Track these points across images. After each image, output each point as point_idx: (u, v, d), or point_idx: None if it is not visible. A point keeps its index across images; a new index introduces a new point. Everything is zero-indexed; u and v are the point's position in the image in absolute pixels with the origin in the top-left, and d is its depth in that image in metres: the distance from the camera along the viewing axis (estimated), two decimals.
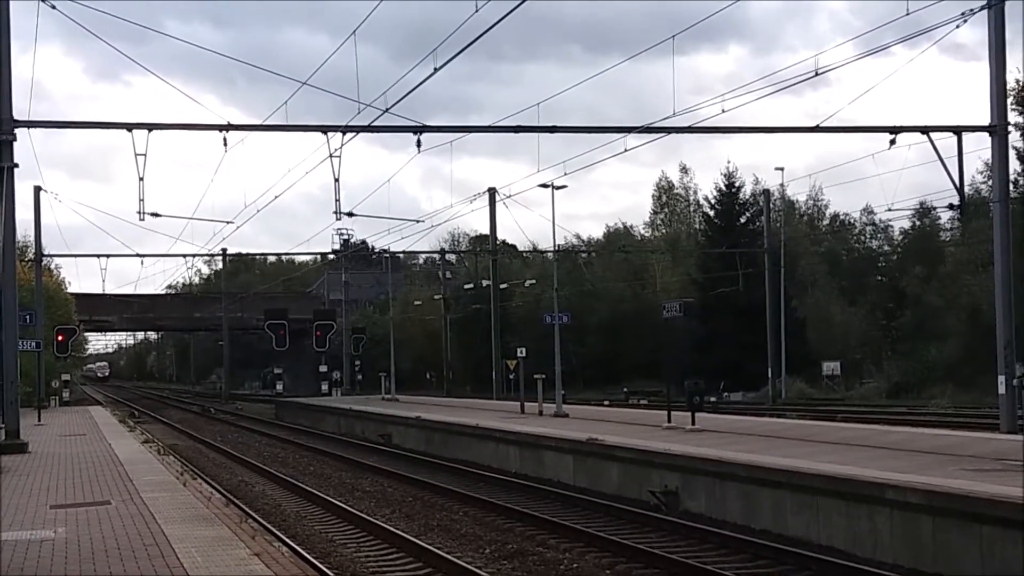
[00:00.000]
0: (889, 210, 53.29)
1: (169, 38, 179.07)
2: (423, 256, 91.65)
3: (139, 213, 26.12)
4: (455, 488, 21.95)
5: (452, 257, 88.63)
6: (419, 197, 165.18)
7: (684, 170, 79.74)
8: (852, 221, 70.68)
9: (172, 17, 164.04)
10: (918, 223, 61.49)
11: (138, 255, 51.37)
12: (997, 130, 25.19)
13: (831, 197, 72.87)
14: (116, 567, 10.51)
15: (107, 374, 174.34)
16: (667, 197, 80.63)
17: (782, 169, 78.83)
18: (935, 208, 52.15)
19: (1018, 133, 45.76)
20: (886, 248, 68.08)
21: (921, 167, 29.90)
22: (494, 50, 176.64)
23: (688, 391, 24.94)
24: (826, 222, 72.98)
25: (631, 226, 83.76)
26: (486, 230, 67.76)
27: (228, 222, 37.16)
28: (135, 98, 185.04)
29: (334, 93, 42.36)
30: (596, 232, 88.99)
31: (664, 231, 79.86)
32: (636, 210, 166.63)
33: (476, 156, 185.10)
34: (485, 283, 65.51)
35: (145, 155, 24.52)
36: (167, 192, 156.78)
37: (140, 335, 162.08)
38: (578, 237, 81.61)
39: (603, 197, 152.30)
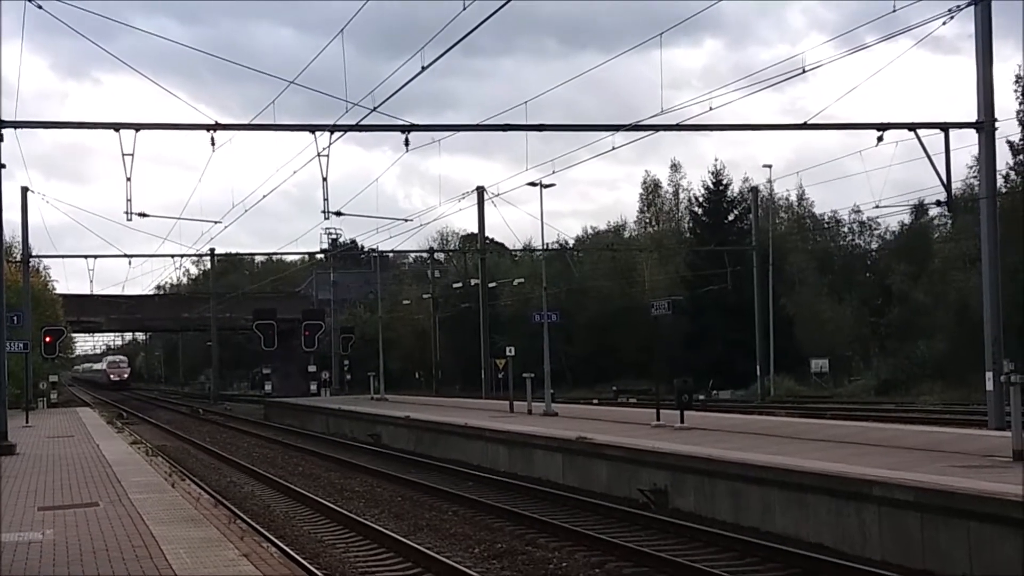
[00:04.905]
0: (877, 207, 53.23)
1: (135, 32, 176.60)
2: (412, 255, 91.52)
3: (127, 213, 26.00)
4: (444, 487, 21.94)
5: (441, 256, 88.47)
6: (397, 195, 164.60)
7: (675, 167, 79.64)
8: (840, 219, 70.86)
9: (136, 13, 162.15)
10: (910, 220, 61.55)
11: (126, 255, 51.18)
12: (985, 126, 25.21)
13: (815, 194, 72.93)
14: (104, 568, 10.47)
15: (126, 376, 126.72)
16: (653, 196, 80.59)
17: (770, 166, 79.21)
18: (925, 204, 52.30)
19: (1017, 125, 45.90)
20: (874, 245, 68.16)
21: (905, 164, 29.83)
22: (470, 44, 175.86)
23: (677, 389, 25.00)
24: (813, 219, 73.04)
25: (622, 225, 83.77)
26: (473, 228, 67.74)
27: (216, 222, 37.06)
28: (105, 95, 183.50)
29: (322, 92, 42.16)
30: (578, 229, 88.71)
31: (653, 229, 79.82)
32: (616, 207, 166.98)
33: (455, 153, 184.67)
34: (474, 282, 65.45)
35: (132, 155, 24.43)
36: (145, 191, 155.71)
37: (128, 336, 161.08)
38: (564, 237, 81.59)
39: (582, 194, 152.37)
